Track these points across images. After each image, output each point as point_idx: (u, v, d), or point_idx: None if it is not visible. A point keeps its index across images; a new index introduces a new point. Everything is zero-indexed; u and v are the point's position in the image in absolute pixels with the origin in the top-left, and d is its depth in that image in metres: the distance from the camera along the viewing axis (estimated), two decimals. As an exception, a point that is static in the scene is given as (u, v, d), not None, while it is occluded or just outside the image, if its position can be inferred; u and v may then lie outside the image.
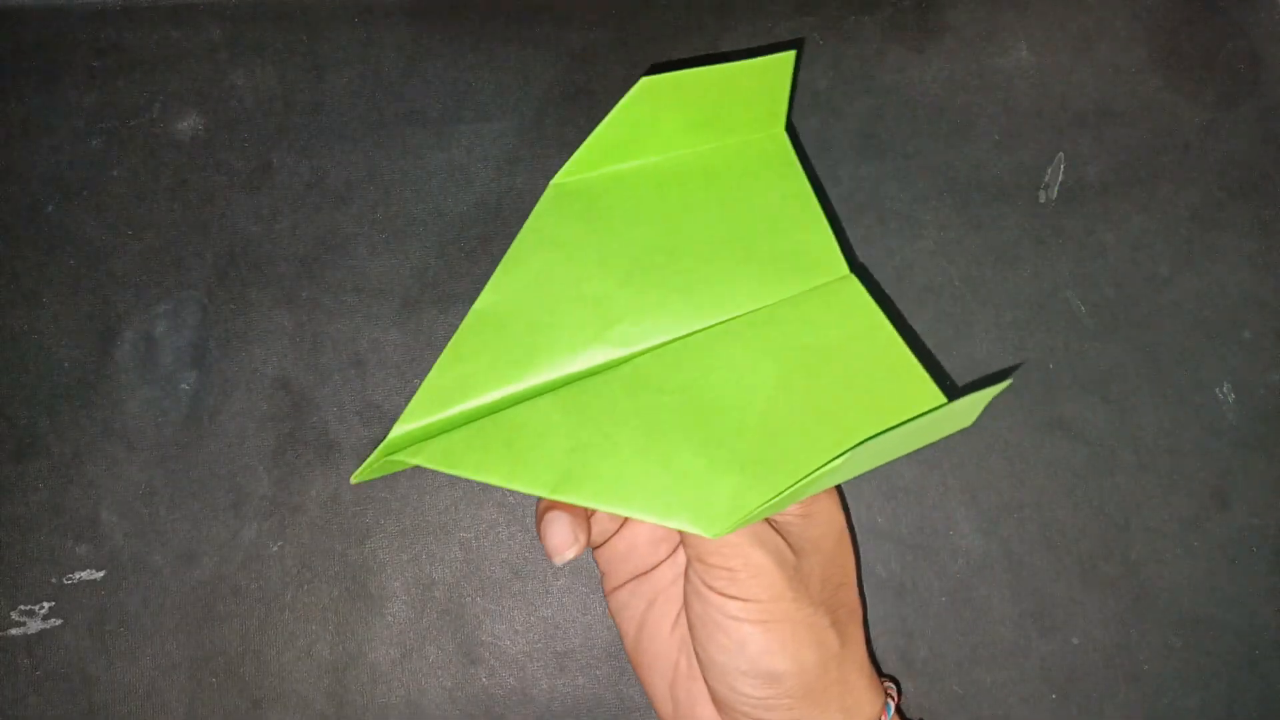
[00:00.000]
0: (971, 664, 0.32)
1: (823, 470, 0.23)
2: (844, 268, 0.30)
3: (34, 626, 0.32)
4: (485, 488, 0.33)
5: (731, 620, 0.25)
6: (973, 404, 0.23)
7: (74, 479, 0.33)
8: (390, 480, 0.33)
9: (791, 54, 0.30)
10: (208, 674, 0.31)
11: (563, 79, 0.36)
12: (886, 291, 0.35)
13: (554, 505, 0.28)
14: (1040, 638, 0.32)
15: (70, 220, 0.35)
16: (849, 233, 0.35)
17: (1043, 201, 0.36)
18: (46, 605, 0.32)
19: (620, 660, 0.32)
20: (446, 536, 0.33)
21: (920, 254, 0.35)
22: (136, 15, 0.37)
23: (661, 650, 0.28)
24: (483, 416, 0.26)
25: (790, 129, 0.33)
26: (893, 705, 0.28)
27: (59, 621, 0.32)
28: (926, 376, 0.27)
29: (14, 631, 0.31)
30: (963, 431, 0.34)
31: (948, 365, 0.34)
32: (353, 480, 0.26)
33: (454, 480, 0.33)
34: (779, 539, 0.26)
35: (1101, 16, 0.38)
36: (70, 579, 0.32)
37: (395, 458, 0.25)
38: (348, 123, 0.36)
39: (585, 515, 0.28)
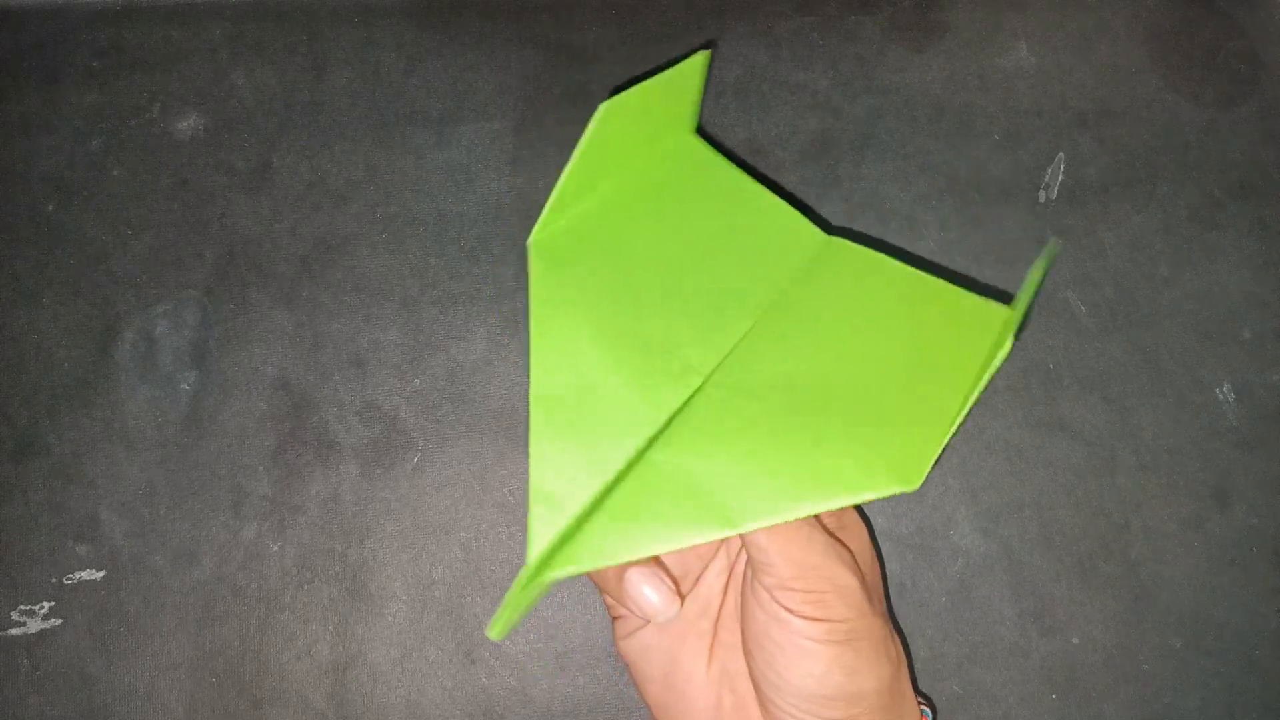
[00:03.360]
0: (971, 664, 0.32)
1: (972, 399, 0.23)
2: (820, 233, 0.31)
3: (34, 626, 0.32)
4: (485, 487, 0.33)
5: (816, 644, 0.24)
6: (1024, 294, 0.24)
7: (74, 479, 0.33)
8: (390, 480, 0.33)
9: (703, 55, 0.30)
10: (208, 674, 0.31)
11: (563, 79, 0.36)
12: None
13: (628, 564, 0.26)
14: (1040, 638, 0.32)
15: (70, 220, 0.35)
16: (849, 233, 0.35)
17: (1043, 201, 0.36)
18: (46, 605, 0.32)
19: (620, 660, 0.32)
20: (446, 536, 0.33)
21: (920, 254, 0.35)
22: (136, 15, 0.37)
23: (698, 691, 0.27)
24: (604, 499, 0.24)
25: (702, 131, 0.33)
26: (930, 712, 0.28)
27: (59, 621, 0.32)
28: (967, 293, 0.29)
29: (14, 631, 0.31)
30: (963, 432, 0.34)
31: (948, 365, 0.34)
32: (493, 635, 0.22)
33: (454, 480, 0.33)
34: (850, 554, 0.25)
35: (1101, 16, 0.38)
36: (70, 579, 0.32)
37: (546, 579, 0.22)
38: (348, 123, 0.36)
39: (660, 563, 0.27)
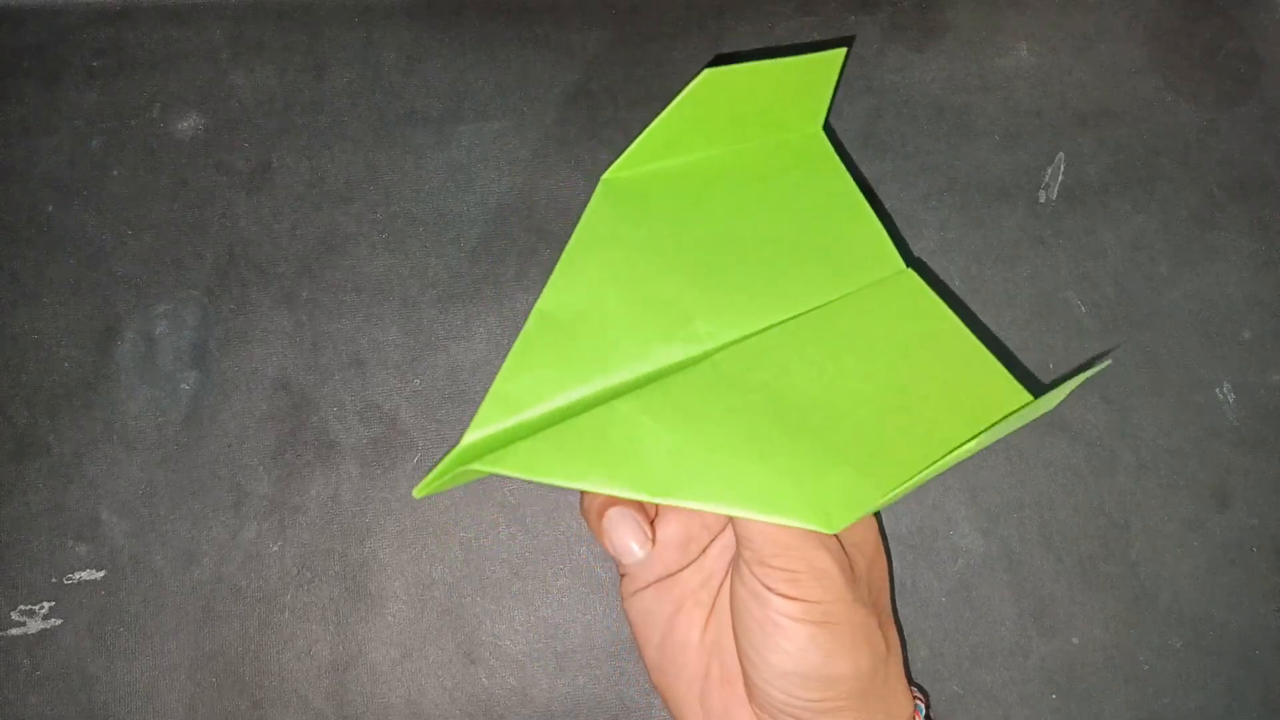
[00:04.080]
0: (971, 664, 0.32)
1: (927, 471, 0.23)
2: (900, 262, 0.30)
3: (34, 626, 0.32)
4: (485, 487, 0.33)
5: (792, 622, 0.24)
6: (1058, 393, 0.24)
7: (74, 479, 0.33)
8: (390, 480, 0.33)
9: (841, 51, 0.30)
10: (208, 674, 0.31)
11: (563, 79, 0.36)
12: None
13: (614, 501, 0.27)
14: (1040, 638, 0.32)
15: (70, 220, 0.35)
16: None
17: (1043, 201, 0.36)
18: (46, 605, 0.32)
19: (620, 660, 0.32)
20: (446, 536, 0.33)
21: (920, 254, 0.35)
22: (136, 15, 0.37)
23: (690, 658, 0.27)
24: (558, 421, 0.24)
25: (827, 127, 0.33)
26: (924, 707, 0.28)
27: (59, 621, 0.32)
28: (1005, 372, 0.28)
29: (14, 631, 0.31)
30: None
31: (948, 365, 0.34)
32: (416, 494, 0.24)
33: (454, 480, 0.33)
34: (836, 541, 0.26)
35: (1101, 16, 0.38)
36: (70, 579, 0.32)
37: (472, 467, 0.23)
38: (348, 123, 0.36)
39: (647, 510, 0.28)
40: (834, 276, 0.29)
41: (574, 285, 0.26)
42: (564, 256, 0.26)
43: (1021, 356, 0.34)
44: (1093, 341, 0.34)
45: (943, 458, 0.23)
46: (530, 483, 0.33)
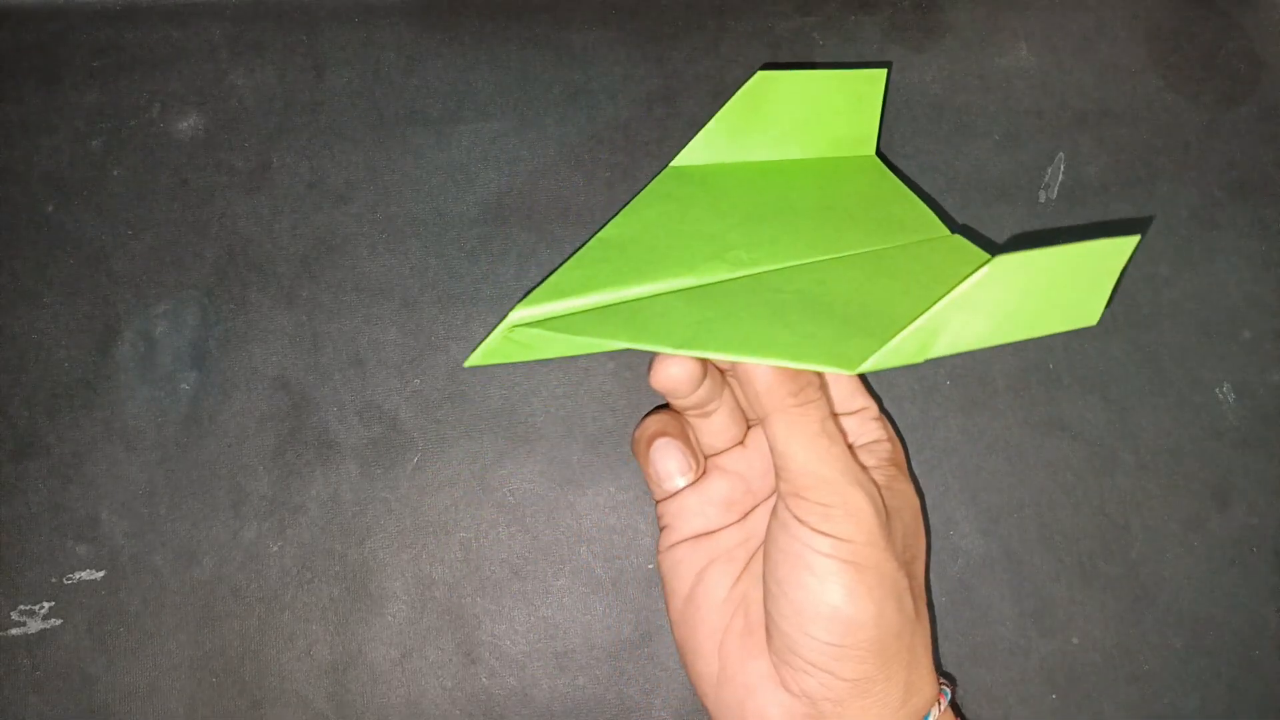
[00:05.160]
0: (971, 664, 0.32)
1: (931, 314, 0.22)
2: (947, 231, 0.32)
3: (34, 626, 0.32)
4: (485, 487, 0.33)
5: (820, 557, 0.24)
6: (1099, 264, 0.24)
7: (74, 479, 0.33)
8: (390, 480, 0.33)
9: (882, 72, 0.33)
10: (208, 674, 0.31)
11: (563, 79, 0.36)
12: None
13: (664, 432, 0.28)
14: (1040, 638, 0.32)
15: (70, 220, 0.35)
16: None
17: (1043, 201, 0.36)
18: (46, 605, 0.32)
19: (620, 660, 0.32)
20: (446, 536, 0.33)
21: (920, 254, 0.35)
22: (136, 15, 0.37)
23: (713, 612, 0.28)
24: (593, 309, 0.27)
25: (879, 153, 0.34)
26: (950, 692, 0.28)
27: (59, 621, 0.32)
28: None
29: (14, 631, 0.31)
30: (963, 431, 0.34)
31: (947, 365, 0.34)
32: (467, 364, 0.27)
33: (454, 480, 0.33)
34: (875, 488, 0.26)
35: (1101, 16, 0.38)
36: (70, 579, 0.32)
37: (518, 325, 0.26)
38: (348, 123, 0.36)
39: (696, 447, 0.29)
40: (882, 234, 0.31)
41: (631, 223, 0.29)
42: (625, 209, 0.29)
43: (1021, 357, 0.34)
44: (1093, 341, 0.34)
45: (941, 299, 0.22)
46: (539, 473, 0.33)
